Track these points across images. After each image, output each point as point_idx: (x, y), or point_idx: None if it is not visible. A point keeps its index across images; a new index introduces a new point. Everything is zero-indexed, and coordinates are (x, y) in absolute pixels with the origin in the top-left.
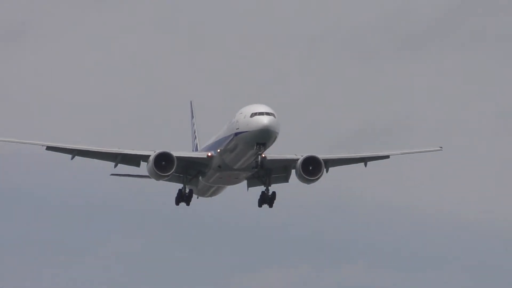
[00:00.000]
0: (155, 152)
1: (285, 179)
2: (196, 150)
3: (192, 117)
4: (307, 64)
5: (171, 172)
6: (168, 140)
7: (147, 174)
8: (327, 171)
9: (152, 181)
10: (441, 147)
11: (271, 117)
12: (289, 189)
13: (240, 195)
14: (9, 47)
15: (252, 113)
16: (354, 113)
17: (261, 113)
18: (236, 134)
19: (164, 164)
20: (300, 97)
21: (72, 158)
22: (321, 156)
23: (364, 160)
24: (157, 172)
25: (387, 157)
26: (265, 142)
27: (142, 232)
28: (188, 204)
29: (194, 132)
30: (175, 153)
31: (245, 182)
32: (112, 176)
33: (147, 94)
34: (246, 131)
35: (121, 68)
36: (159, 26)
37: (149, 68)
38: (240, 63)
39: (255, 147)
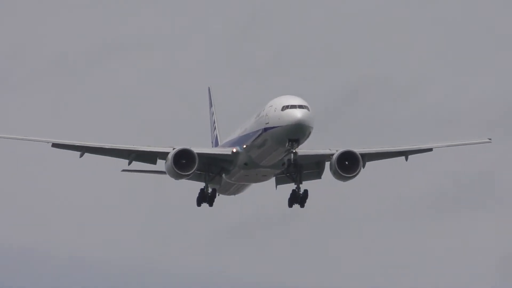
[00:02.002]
0: (174, 149)
1: (318, 175)
2: (217, 142)
3: (211, 105)
4: None
5: (192, 171)
6: (184, 132)
7: (161, 170)
8: (363, 166)
9: (168, 177)
10: (490, 139)
11: (305, 110)
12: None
13: (268, 194)
14: None
15: (284, 106)
16: None
17: (293, 106)
18: (266, 129)
19: (184, 162)
20: None
21: (81, 155)
22: (358, 150)
23: (405, 153)
24: (177, 171)
25: (430, 150)
26: (298, 139)
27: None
28: (210, 205)
29: (214, 122)
30: (196, 150)
31: (273, 179)
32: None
33: (160, 82)
34: (277, 126)
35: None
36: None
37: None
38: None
39: (287, 144)
